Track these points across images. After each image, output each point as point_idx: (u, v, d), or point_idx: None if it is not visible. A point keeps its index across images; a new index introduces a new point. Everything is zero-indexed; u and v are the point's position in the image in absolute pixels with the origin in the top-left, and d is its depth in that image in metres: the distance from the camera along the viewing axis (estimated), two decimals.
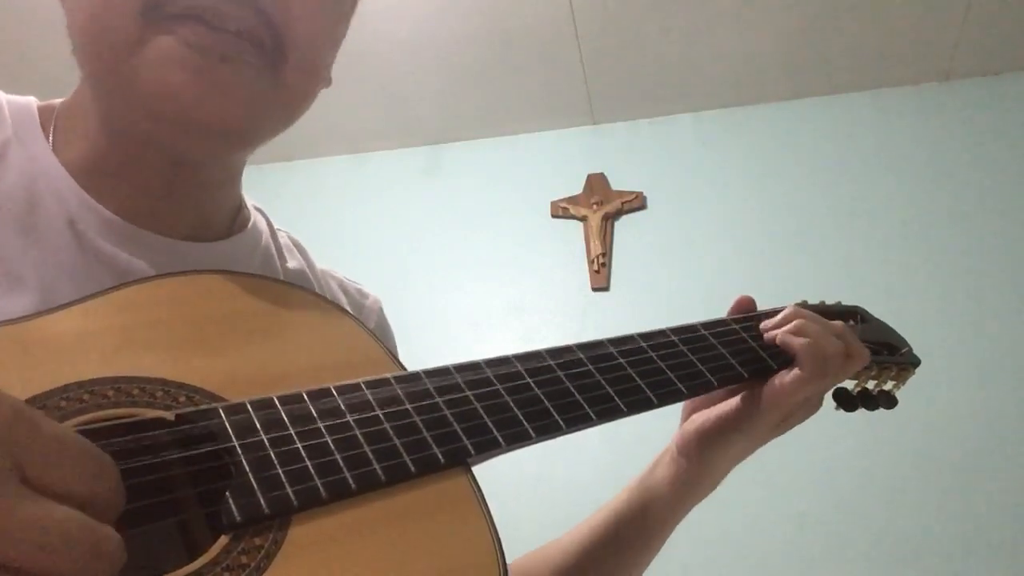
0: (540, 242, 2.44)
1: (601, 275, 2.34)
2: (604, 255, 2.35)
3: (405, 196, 2.61)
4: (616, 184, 2.45)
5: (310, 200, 2.59)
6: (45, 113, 0.58)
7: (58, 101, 0.59)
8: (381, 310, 0.74)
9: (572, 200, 2.46)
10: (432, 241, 2.51)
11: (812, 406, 0.67)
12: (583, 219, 2.42)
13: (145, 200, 0.56)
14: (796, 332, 0.65)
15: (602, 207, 2.40)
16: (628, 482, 0.73)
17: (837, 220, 2.25)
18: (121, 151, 0.54)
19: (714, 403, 0.68)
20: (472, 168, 2.59)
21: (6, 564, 0.27)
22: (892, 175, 2.26)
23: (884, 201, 2.24)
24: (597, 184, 2.46)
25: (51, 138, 0.56)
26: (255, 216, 0.66)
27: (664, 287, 2.28)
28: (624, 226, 2.41)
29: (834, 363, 0.64)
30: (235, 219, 0.64)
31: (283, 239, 0.69)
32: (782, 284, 2.11)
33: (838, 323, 0.68)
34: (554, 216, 2.47)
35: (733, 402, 0.66)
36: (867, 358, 0.68)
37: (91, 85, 0.55)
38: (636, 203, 2.41)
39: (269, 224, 0.68)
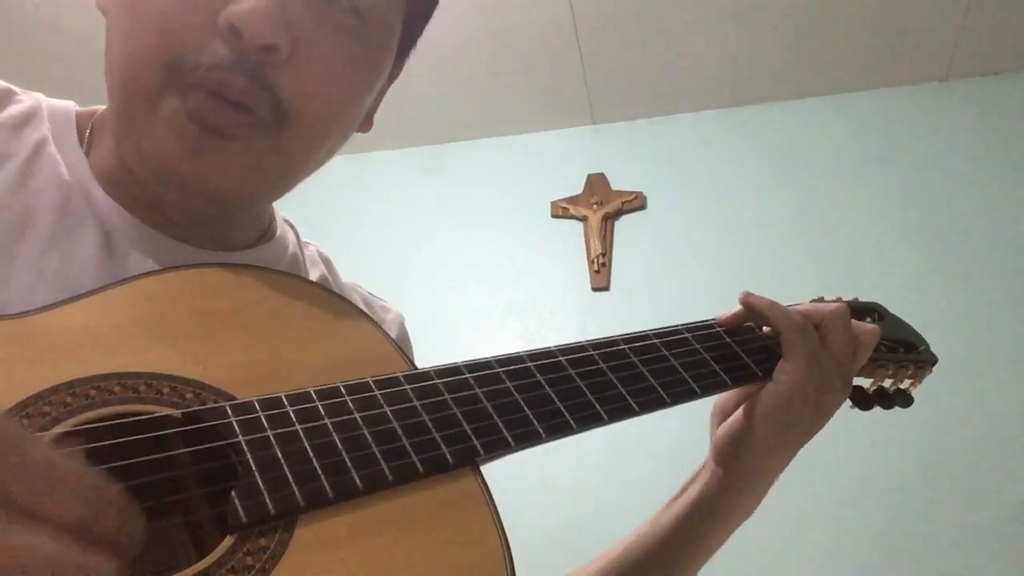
0: (540, 242, 2.43)
1: (601, 275, 2.33)
2: (604, 255, 2.35)
3: (405, 196, 2.60)
4: (616, 184, 2.45)
5: (310, 200, 2.58)
6: (85, 118, 0.58)
7: (100, 108, 0.59)
8: (402, 324, 0.73)
9: (572, 200, 2.45)
10: (432, 241, 2.50)
11: (833, 386, 0.63)
12: (583, 219, 2.41)
13: (166, 215, 0.56)
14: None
15: (602, 207, 2.40)
16: (658, 506, 0.71)
17: (837, 220, 2.24)
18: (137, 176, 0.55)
19: (739, 405, 0.67)
20: (472, 168, 2.59)
21: None
22: (892, 175, 2.26)
23: (884, 201, 2.23)
24: (597, 184, 2.46)
25: (86, 143, 0.57)
26: (282, 229, 0.66)
27: (664, 287, 2.27)
28: (624, 226, 2.40)
29: (798, 321, 0.63)
30: (262, 234, 0.64)
31: (310, 252, 0.69)
32: (782, 284, 2.10)
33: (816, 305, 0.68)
34: (554, 216, 2.46)
35: (756, 395, 0.65)
36: (874, 334, 0.68)
37: (112, 118, 0.55)
38: (636, 203, 2.41)
39: (296, 237, 0.68)
